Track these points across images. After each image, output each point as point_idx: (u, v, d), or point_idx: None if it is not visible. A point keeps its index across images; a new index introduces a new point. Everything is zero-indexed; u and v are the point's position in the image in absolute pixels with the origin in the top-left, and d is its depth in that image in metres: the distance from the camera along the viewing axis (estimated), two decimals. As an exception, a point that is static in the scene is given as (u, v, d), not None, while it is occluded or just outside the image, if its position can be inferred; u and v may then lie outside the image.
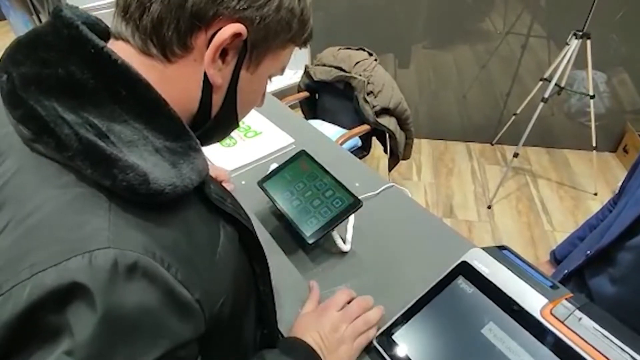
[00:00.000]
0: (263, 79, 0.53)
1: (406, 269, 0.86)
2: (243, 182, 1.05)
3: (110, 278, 0.35)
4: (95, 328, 0.34)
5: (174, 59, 0.44)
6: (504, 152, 2.84)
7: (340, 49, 2.12)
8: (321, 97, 2.24)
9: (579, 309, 0.63)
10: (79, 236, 0.36)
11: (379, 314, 0.73)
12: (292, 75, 2.34)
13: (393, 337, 0.69)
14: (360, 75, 2.01)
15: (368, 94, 2.00)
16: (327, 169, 0.93)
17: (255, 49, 0.48)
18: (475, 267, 0.72)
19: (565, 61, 2.16)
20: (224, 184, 0.96)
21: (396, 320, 0.71)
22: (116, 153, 0.39)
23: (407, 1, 2.69)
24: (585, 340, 0.60)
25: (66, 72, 0.41)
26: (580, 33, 2.09)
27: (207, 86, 0.47)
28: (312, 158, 0.95)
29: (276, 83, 1.84)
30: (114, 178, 0.38)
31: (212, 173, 0.84)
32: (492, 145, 2.89)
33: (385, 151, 2.12)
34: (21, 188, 0.41)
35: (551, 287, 0.68)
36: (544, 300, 0.65)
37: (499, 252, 0.75)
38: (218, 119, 0.51)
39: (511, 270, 0.70)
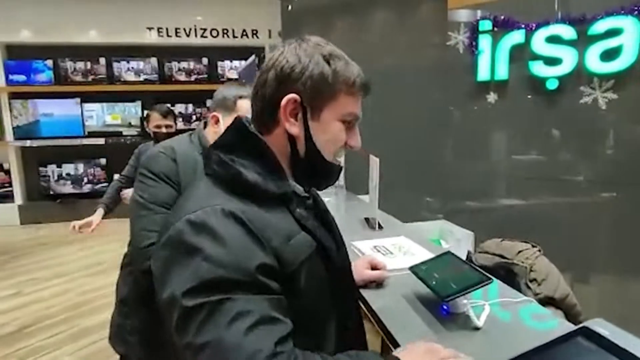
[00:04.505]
0: (330, 123, 0.82)
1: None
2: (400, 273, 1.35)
3: (220, 217, 0.71)
4: (214, 242, 0.68)
5: (273, 130, 0.83)
6: None
7: (503, 239, 2.31)
8: (482, 282, 2.34)
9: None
10: (209, 203, 0.74)
11: None
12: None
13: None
14: (522, 262, 2.11)
15: (531, 281, 2.04)
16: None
17: (311, 104, 0.80)
18: (596, 330, 0.78)
19: None
20: (380, 270, 1.26)
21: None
22: (233, 165, 0.78)
23: (589, 218, 2.74)
24: None
25: (228, 140, 0.84)
26: None
27: (292, 138, 0.82)
28: (455, 255, 1.17)
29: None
30: (228, 172, 0.78)
31: (374, 262, 1.28)
32: None
33: (552, 346, 1.99)
34: (196, 187, 0.83)
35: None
36: (666, 355, 0.68)
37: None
38: (308, 157, 0.83)
39: (631, 333, 0.75)
